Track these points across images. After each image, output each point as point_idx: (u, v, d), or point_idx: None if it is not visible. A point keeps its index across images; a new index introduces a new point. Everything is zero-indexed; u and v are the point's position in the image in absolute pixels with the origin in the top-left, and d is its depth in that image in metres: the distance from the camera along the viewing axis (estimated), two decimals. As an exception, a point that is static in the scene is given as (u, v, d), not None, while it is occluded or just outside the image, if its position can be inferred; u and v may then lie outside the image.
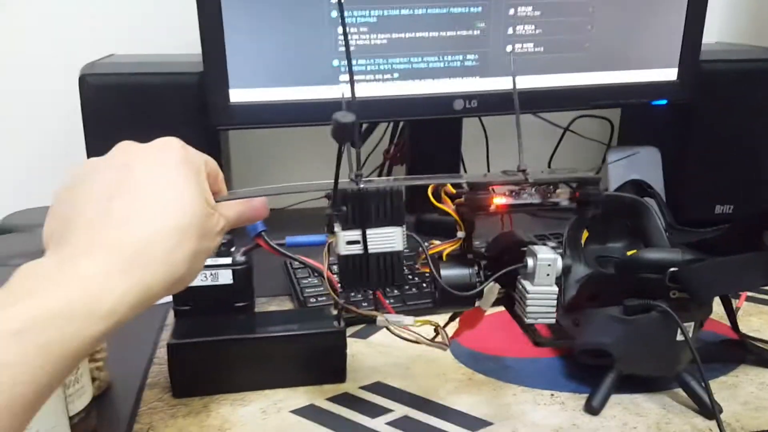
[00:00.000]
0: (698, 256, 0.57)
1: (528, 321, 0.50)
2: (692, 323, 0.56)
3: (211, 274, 0.62)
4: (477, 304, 0.52)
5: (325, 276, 0.50)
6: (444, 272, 0.53)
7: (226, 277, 0.62)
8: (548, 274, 0.49)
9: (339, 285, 0.52)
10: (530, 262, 0.50)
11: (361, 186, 0.47)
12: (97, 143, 0.83)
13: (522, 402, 0.59)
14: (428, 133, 0.96)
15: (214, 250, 0.43)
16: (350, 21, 0.82)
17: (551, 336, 0.60)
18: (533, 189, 0.50)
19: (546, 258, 0.49)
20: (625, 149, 1.02)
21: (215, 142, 0.88)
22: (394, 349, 0.66)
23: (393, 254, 0.49)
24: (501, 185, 0.50)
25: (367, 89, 0.85)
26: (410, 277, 0.76)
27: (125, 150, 0.42)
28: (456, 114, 0.88)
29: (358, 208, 0.47)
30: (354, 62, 0.84)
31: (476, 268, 0.54)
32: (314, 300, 0.73)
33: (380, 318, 0.54)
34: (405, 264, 0.52)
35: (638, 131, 1.07)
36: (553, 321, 0.51)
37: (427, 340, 0.55)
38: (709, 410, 0.56)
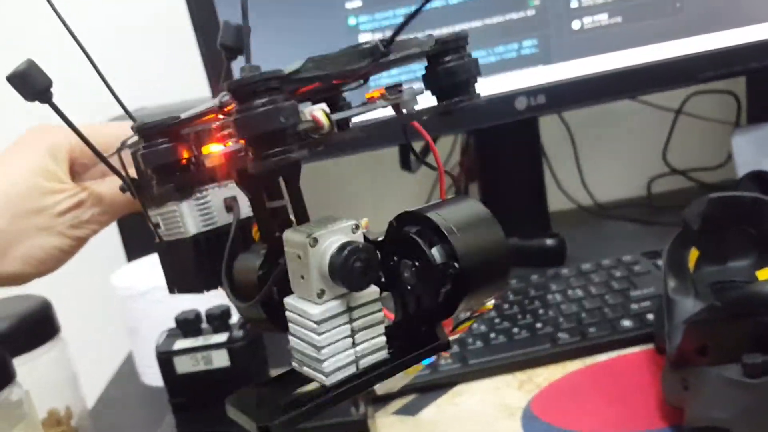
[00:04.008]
0: None
1: (294, 365, 0.28)
2: None
3: (203, 357, 0.50)
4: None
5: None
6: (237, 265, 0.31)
7: (221, 359, 0.50)
8: (303, 277, 0.26)
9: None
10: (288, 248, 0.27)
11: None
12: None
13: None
14: (497, 141, 0.80)
15: (67, 231, 0.41)
16: (374, 26, 0.69)
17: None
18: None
19: (292, 240, 0.26)
20: (756, 128, 0.81)
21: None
22: (450, 429, 0.51)
23: (179, 243, 0.34)
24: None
25: (406, 102, 0.71)
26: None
27: None
28: (520, 115, 0.71)
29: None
30: (385, 72, 0.70)
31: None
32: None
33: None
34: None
35: (771, 103, 0.85)
36: (338, 376, 0.27)
37: None
38: None
